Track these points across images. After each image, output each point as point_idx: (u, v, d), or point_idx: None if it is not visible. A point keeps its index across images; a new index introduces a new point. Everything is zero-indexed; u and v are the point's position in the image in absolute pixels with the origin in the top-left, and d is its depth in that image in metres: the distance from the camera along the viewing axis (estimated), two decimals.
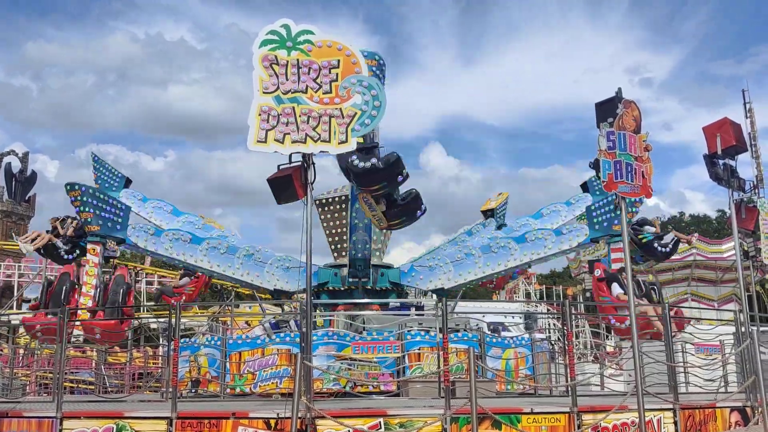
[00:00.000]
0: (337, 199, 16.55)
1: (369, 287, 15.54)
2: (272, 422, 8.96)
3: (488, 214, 20.05)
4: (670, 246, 15.49)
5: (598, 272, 14.79)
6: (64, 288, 14.05)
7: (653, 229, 15.75)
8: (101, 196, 14.15)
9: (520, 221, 15.77)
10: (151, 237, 15.07)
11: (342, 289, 15.60)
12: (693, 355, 14.08)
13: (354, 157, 12.45)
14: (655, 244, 15.30)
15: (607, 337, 30.89)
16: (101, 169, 17.27)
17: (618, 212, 14.20)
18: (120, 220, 14.33)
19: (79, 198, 13.75)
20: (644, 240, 15.37)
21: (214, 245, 15.32)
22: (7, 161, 49.83)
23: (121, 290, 14.06)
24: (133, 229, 14.83)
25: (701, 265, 33.04)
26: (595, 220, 14.98)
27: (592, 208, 15.21)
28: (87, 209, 13.79)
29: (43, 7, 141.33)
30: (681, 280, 31.56)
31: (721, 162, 12.23)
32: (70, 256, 14.84)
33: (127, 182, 17.69)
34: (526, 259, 15.21)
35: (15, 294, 39.85)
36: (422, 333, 13.08)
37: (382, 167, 12.62)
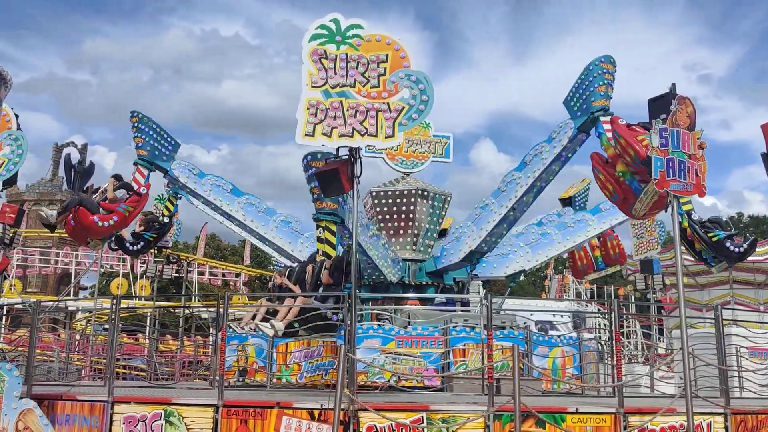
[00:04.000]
0: (383, 194, 16.55)
1: (408, 282, 15.51)
2: (316, 413, 9.05)
3: (566, 202, 18.65)
4: (746, 246, 13.36)
5: None
6: None
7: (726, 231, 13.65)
8: (156, 127, 15.10)
9: (507, 178, 15.15)
10: (194, 176, 15.67)
11: (414, 284, 15.63)
12: (747, 359, 13.66)
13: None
14: (728, 243, 13.21)
15: (659, 339, 30.29)
16: (147, 130, 17.04)
17: (594, 86, 13.20)
18: (167, 152, 15.34)
19: (136, 124, 14.86)
20: (715, 239, 13.29)
21: (253, 202, 15.58)
22: (66, 152, 51.28)
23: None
24: (178, 164, 15.55)
25: (738, 267, 32.00)
26: (575, 108, 13.68)
27: (568, 98, 13.88)
28: (140, 135, 14.88)
29: (98, 4, 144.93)
30: (722, 283, 30.72)
31: None
32: (135, 248, 15.63)
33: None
34: (530, 181, 14.20)
35: (72, 281, 41.10)
36: (467, 329, 13.02)
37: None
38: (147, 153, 14.95)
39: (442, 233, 17.17)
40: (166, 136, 15.35)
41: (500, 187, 14.96)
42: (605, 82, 13.36)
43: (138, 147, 15.05)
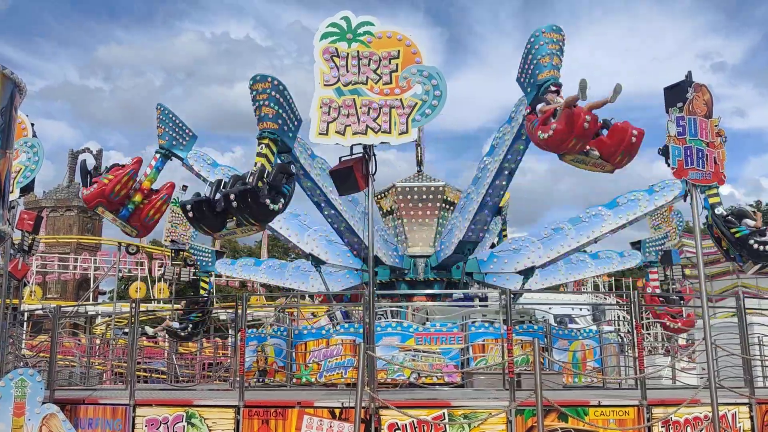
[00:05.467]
0: (408, 189, 16.47)
1: (449, 279, 15.41)
2: (337, 411, 9.05)
3: None
4: None
5: None
6: None
7: (753, 223, 12.35)
8: (288, 96, 12.21)
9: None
10: (309, 158, 14.19)
11: (420, 280, 15.54)
12: None
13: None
14: (752, 241, 11.91)
15: None
16: (168, 122, 14.53)
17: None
18: (293, 128, 12.51)
19: (267, 90, 11.87)
20: (738, 235, 12.06)
21: None
22: (82, 159, 51.59)
23: None
24: (298, 143, 13.37)
25: None
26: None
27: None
28: (271, 104, 11.93)
29: (111, 10, 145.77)
30: (731, 273, 30.37)
31: None
32: (276, 206, 11.38)
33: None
34: (497, 165, 13.19)
35: (91, 286, 41.41)
36: (486, 324, 12.98)
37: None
38: (278, 127, 11.96)
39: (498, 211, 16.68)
40: (294, 108, 12.35)
41: (477, 174, 14.63)
42: (549, 52, 12.15)
43: (266, 118, 11.96)
